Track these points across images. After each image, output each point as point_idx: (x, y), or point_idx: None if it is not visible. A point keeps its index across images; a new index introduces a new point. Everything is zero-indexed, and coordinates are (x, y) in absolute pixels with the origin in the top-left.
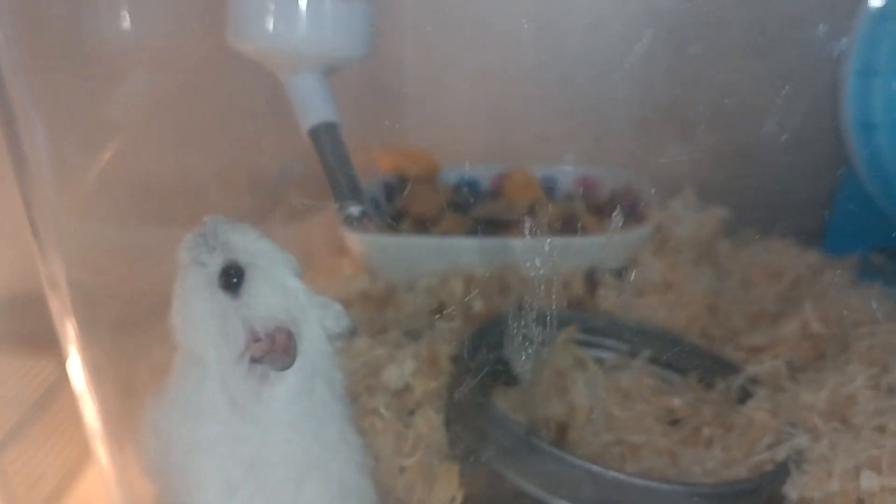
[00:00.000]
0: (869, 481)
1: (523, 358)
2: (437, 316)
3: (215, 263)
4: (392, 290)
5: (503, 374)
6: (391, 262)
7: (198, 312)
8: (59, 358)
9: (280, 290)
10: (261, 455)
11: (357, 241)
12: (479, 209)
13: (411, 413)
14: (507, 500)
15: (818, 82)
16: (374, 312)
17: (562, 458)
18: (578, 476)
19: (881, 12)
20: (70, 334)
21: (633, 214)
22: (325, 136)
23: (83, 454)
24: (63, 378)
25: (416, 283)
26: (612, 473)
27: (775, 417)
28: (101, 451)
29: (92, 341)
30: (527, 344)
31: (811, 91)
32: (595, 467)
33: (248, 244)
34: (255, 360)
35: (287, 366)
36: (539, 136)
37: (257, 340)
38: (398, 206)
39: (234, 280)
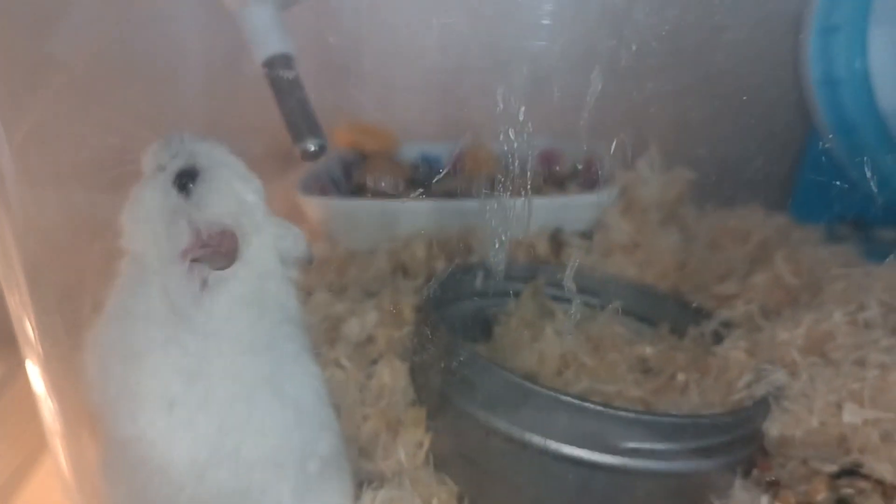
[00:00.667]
0: (851, 415)
1: (491, 308)
2: (400, 275)
3: (174, 165)
4: (352, 256)
5: (470, 325)
6: (350, 228)
7: (146, 211)
8: (6, 355)
9: (234, 200)
10: (202, 367)
11: (315, 207)
12: (438, 185)
13: (374, 363)
14: (479, 441)
15: (780, 46)
16: (335, 277)
17: (556, 397)
18: (563, 410)
19: None
20: (28, 332)
21: (596, 184)
22: (280, 69)
23: (34, 452)
24: (10, 375)
25: (377, 247)
26: (610, 409)
27: (752, 357)
28: (59, 449)
29: (48, 337)
30: (493, 294)
31: (774, 55)
32: (590, 404)
33: (214, 154)
34: (195, 260)
35: (224, 266)
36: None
37: (203, 247)
38: (356, 181)
39: (188, 180)
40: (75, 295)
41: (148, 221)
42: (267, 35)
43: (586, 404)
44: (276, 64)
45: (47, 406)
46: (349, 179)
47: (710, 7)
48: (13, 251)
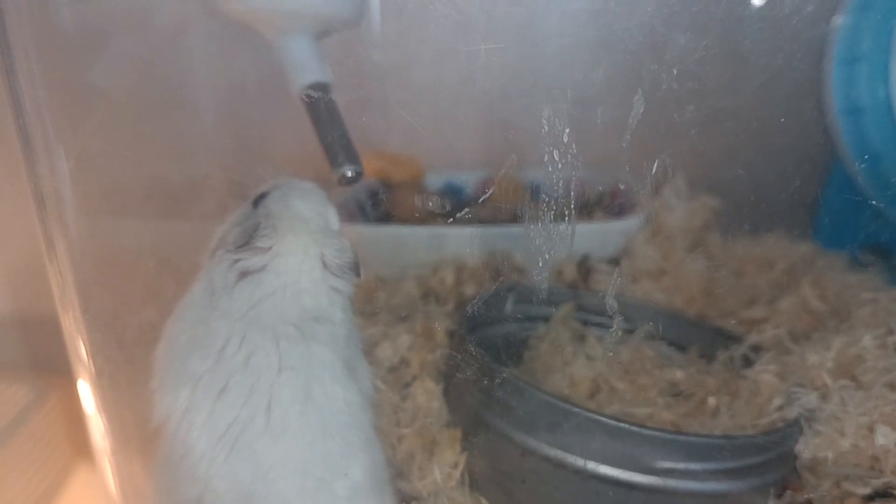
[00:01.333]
0: (884, 437)
1: (521, 333)
2: (431, 300)
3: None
4: (381, 282)
5: (500, 349)
6: (380, 253)
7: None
8: (33, 379)
9: (282, 204)
10: (225, 351)
11: (345, 233)
12: (469, 212)
13: (408, 385)
14: (515, 461)
15: (802, 76)
16: (364, 302)
17: (594, 417)
18: (600, 431)
19: (862, 2)
20: (81, 352)
21: (622, 212)
22: (317, 97)
23: (61, 475)
24: (38, 400)
25: (406, 273)
26: (646, 430)
27: (782, 380)
28: (107, 468)
29: (100, 356)
30: (524, 318)
31: (798, 84)
32: (627, 424)
33: (292, 181)
34: (238, 248)
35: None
36: (525, 140)
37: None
38: (383, 210)
39: (261, 198)
40: (123, 316)
41: (223, 226)
42: (305, 64)
43: (623, 424)
44: (314, 92)
45: (97, 425)
46: (376, 208)
47: (733, 36)
48: (69, 274)
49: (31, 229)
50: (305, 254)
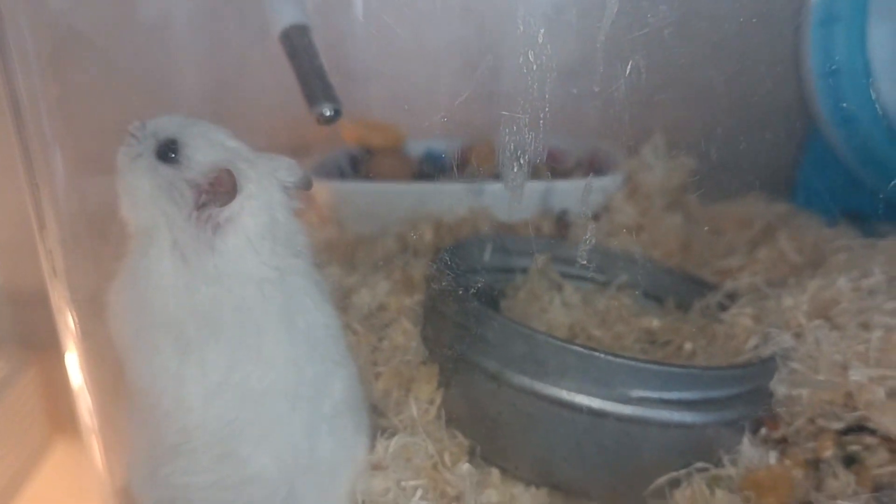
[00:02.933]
0: (858, 373)
1: (498, 284)
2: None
3: (149, 147)
4: (360, 240)
5: (478, 295)
6: (358, 210)
7: (144, 194)
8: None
9: (218, 148)
10: (213, 309)
11: (324, 191)
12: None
13: (386, 328)
14: (491, 393)
15: (782, 37)
16: (343, 259)
17: (567, 346)
18: (573, 359)
19: None
20: (70, 325)
21: (600, 173)
22: (297, 38)
23: (37, 451)
24: (14, 374)
25: (385, 230)
26: (620, 357)
27: (758, 322)
28: (95, 445)
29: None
30: (500, 269)
31: (776, 46)
32: (601, 353)
33: (177, 121)
34: (202, 207)
35: (229, 201)
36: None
37: (205, 192)
38: (363, 175)
39: (171, 151)
40: None
41: (150, 201)
42: (284, 6)
43: (596, 353)
44: (293, 34)
45: (84, 400)
46: (356, 173)
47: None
48: (57, 244)
49: (18, 200)
50: (271, 184)
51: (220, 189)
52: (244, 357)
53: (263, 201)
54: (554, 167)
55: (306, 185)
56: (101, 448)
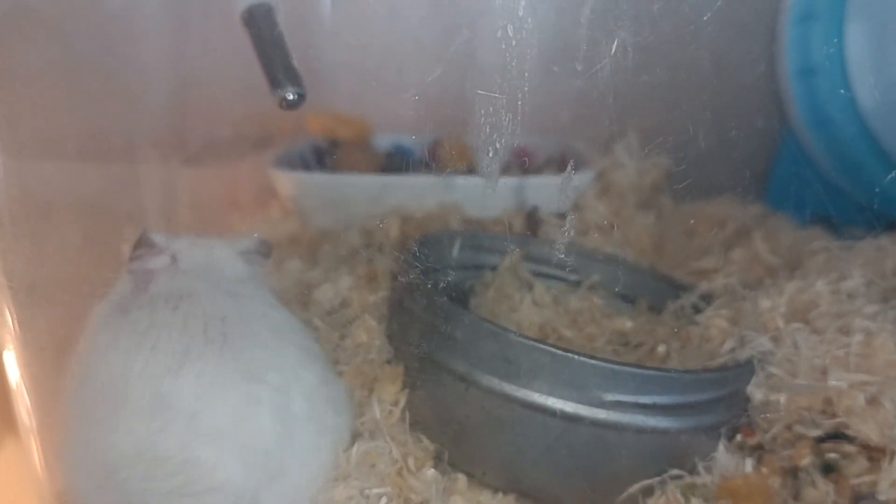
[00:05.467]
0: (837, 378)
1: (467, 281)
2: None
3: None
4: (324, 235)
5: (447, 292)
6: (323, 204)
7: None
8: None
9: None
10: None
11: (288, 182)
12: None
13: (348, 325)
14: (459, 395)
15: (758, 36)
16: (306, 253)
17: (539, 346)
18: (546, 361)
19: None
20: (7, 320)
21: (572, 171)
22: (260, 19)
23: None
24: None
25: (350, 224)
26: (593, 359)
27: (734, 325)
28: (33, 446)
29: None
30: (470, 267)
31: (752, 45)
32: (574, 354)
33: None
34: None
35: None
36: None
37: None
38: (329, 168)
39: None
40: (56, 285)
41: None
42: None
43: (570, 354)
44: (256, 14)
45: (22, 399)
46: (321, 166)
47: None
48: None
49: None
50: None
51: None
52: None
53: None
54: (525, 164)
55: (266, 253)
56: (40, 449)
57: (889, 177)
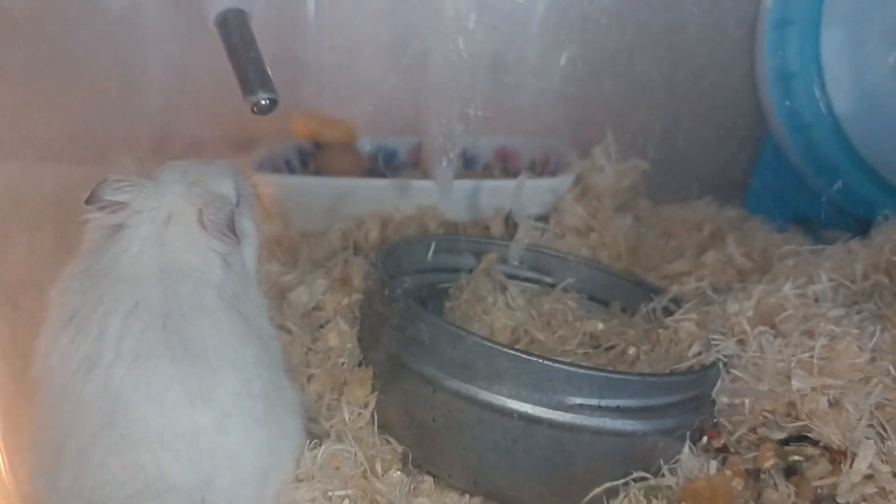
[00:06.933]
0: (800, 382)
1: (441, 283)
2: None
3: None
4: (304, 237)
5: (420, 300)
6: (304, 206)
7: None
8: None
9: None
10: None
11: (269, 184)
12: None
13: (321, 328)
14: (425, 398)
15: (737, 41)
16: (286, 256)
17: (502, 350)
18: (508, 364)
19: None
20: None
21: (552, 174)
22: (233, 23)
23: None
24: None
25: (331, 227)
26: (556, 362)
27: (702, 328)
28: None
29: None
30: (444, 269)
31: (730, 50)
32: (536, 357)
33: None
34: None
35: None
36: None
37: None
38: (313, 170)
39: None
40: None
41: None
42: None
43: (532, 357)
44: (229, 19)
45: None
46: (305, 168)
47: (667, 4)
48: None
49: None
50: (172, 209)
51: None
52: (104, 349)
53: (153, 220)
54: (507, 165)
55: (230, 232)
56: (4, 452)
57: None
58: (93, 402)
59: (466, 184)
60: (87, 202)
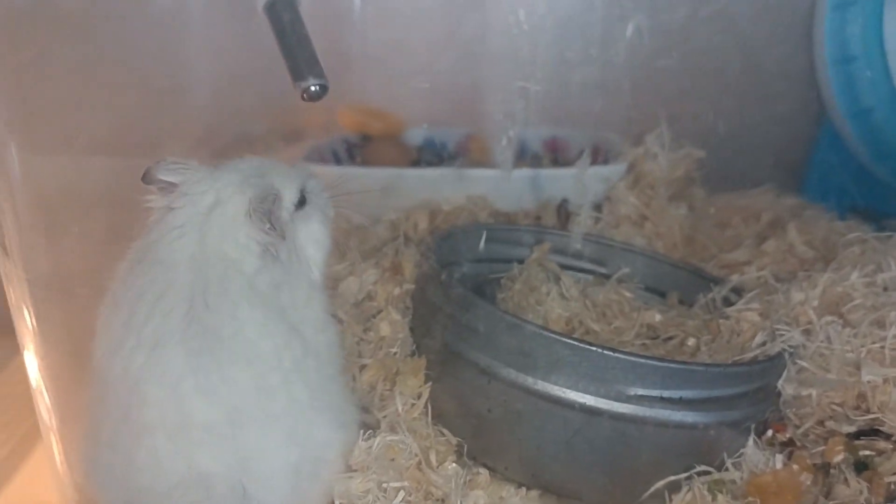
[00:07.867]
0: (871, 373)
1: (494, 274)
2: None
3: None
4: (353, 228)
5: (475, 285)
6: (353, 197)
7: None
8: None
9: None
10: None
11: (319, 175)
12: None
13: (372, 318)
14: (481, 389)
15: (796, 24)
16: (334, 247)
17: (561, 339)
18: (568, 354)
19: None
20: (28, 322)
21: (604, 163)
22: (282, 10)
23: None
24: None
25: (380, 218)
26: (617, 352)
27: (765, 318)
28: (53, 444)
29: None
30: (497, 260)
31: (789, 34)
32: (597, 347)
33: None
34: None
35: None
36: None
37: None
38: (360, 162)
39: None
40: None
41: None
42: None
43: (591, 346)
44: (278, 5)
45: (42, 400)
46: (353, 160)
47: None
48: (14, 239)
49: None
50: (220, 195)
51: None
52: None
53: (198, 204)
54: (556, 156)
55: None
56: (61, 448)
57: None
58: (116, 388)
59: (521, 172)
60: (143, 179)
